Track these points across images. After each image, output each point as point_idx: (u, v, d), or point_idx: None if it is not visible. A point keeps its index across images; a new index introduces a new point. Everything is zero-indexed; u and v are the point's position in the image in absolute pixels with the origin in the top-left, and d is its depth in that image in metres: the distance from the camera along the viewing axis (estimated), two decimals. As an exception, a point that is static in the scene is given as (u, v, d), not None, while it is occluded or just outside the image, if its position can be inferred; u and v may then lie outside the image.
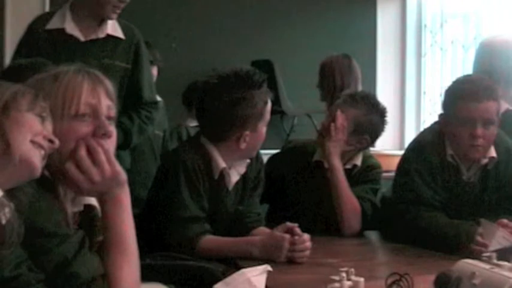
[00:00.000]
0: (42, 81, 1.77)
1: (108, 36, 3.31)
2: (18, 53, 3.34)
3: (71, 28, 3.25)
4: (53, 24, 3.28)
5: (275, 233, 2.53)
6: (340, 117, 3.14)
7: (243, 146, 2.66)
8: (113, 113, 1.83)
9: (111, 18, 3.27)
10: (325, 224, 3.08)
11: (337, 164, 3.10)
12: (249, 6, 6.20)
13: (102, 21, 3.28)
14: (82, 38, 3.26)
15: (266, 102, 2.70)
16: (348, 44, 6.01)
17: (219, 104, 2.63)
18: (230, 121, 2.63)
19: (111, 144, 1.79)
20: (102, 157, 1.71)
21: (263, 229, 2.78)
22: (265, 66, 5.58)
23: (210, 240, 2.60)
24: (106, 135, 1.76)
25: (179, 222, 2.58)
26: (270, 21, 6.24)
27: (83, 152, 1.70)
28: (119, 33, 3.35)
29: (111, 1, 3.18)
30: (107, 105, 1.80)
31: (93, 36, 3.28)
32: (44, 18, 3.39)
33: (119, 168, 1.74)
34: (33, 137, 1.55)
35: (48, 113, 1.64)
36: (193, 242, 2.56)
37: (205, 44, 5.98)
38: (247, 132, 2.65)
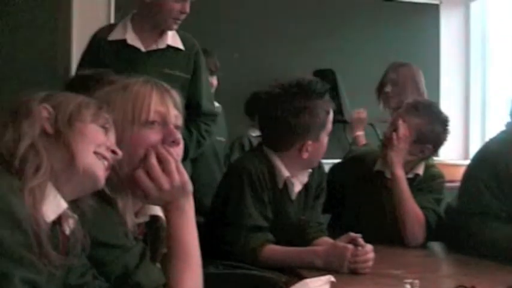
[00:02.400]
0: (111, 93, 1.80)
1: (168, 46, 3.37)
2: (82, 63, 3.42)
3: (132, 39, 3.32)
4: (114, 35, 3.36)
5: (338, 244, 2.51)
6: (402, 127, 3.10)
7: (305, 155, 2.67)
8: (180, 122, 1.86)
9: (171, 29, 3.33)
10: (388, 234, 3.04)
11: (401, 173, 3.06)
12: (312, 15, 6.19)
13: (162, 32, 3.35)
14: (143, 49, 3.32)
15: (328, 112, 2.71)
16: (412, 52, 5.94)
17: (282, 113, 2.64)
18: (293, 131, 2.64)
19: (179, 151, 1.81)
20: (173, 166, 1.73)
21: (326, 239, 2.77)
22: (328, 76, 5.58)
23: (272, 250, 2.59)
24: (175, 142, 1.79)
25: (243, 230, 2.59)
26: (332, 30, 6.21)
27: (153, 161, 1.72)
28: (178, 43, 3.40)
29: (172, 13, 3.23)
30: (175, 114, 1.82)
31: (154, 47, 3.34)
32: (107, 29, 3.47)
33: (187, 178, 1.76)
34: (96, 148, 1.57)
35: (111, 124, 1.66)
36: (256, 251, 2.56)
37: (268, 53, 5.98)
38: (310, 142, 2.66)
